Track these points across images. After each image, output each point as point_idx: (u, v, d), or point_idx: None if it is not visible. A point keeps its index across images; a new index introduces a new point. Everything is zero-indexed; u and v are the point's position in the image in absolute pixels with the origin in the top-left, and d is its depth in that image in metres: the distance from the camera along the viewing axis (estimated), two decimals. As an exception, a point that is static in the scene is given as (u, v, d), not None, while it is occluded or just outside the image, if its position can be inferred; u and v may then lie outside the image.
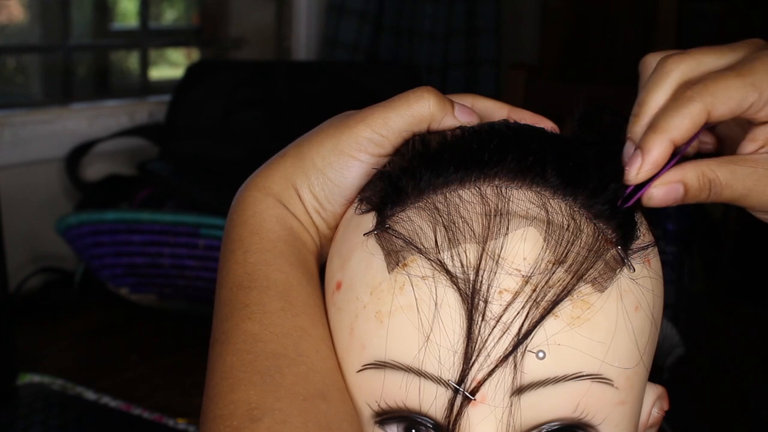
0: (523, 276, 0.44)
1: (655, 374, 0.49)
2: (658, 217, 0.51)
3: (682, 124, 0.46)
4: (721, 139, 0.54)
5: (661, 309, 0.49)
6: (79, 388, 1.03)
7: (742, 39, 0.50)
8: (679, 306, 1.11)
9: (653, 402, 0.51)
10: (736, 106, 0.46)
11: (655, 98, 0.48)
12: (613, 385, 0.45)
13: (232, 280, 0.49)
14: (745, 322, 1.38)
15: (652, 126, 0.47)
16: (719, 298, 1.44)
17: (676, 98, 0.47)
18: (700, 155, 0.51)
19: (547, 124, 0.52)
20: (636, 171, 0.47)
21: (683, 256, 1.13)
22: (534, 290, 0.44)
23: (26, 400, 1.00)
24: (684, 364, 1.10)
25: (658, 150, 0.46)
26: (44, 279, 1.36)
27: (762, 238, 1.98)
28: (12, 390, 1.02)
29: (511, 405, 0.44)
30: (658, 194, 0.47)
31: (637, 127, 0.48)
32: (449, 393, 0.44)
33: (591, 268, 0.45)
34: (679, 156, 0.47)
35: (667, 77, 0.48)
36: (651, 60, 0.51)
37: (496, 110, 0.53)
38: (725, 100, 0.46)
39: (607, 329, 0.45)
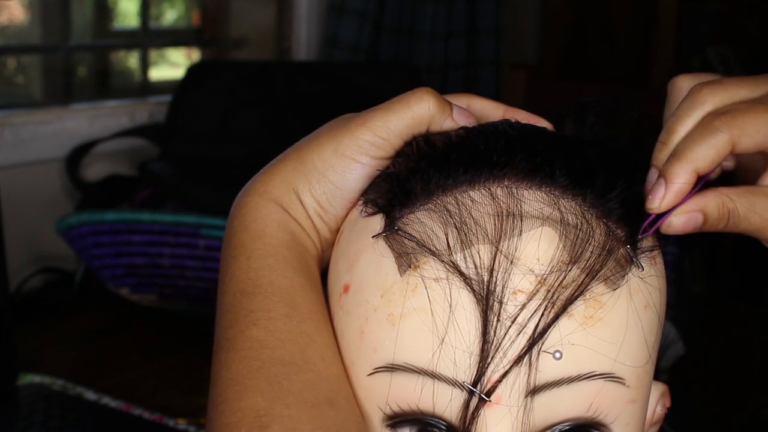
0: (537, 276, 0.44)
1: (655, 374, 0.49)
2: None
3: (707, 155, 0.45)
4: (741, 163, 0.52)
5: (665, 307, 0.49)
6: (80, 389, 1.03)
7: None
8: (679, 306, 1.11)
9: (657, 399, 0.52)
10: (763, 141, 0.46)
11: (685, 129, 0.47)
12: (624, 384, 0.45)
13: (235, 287, 0.48)
14: (745, 322, 1.38)
15: (676, 154, 0.46)
16: (719, 298, 1.44)
17: (702, 126, 0.46)
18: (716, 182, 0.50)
19: (543, 124, 0.51)
20: (659, 201, 0.46)
21: (683, 256, 1.13)
22: (549, 290, 0.44)
23: (26, 401, 1.00)
24: (684, 364, 1.10)
25: (681, 179, 0.46)
26: (44, 279, 1.36)
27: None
28: (12, 390, 1.01)
29: (526, 405, 0.44)
30: (678, 223, 0.47)
31: (663, 155, 0.47)
32: (464, 395, 0.44)
33: (603, 267, 0.45)
34: (700, 185, 0.47)
35: (699, 108, 0.47)
36: (682, 83, 0.50)
37: (492, 110, 0.53)
38: (752, 134, 0.45)
39: (619, 328, 0.45)
